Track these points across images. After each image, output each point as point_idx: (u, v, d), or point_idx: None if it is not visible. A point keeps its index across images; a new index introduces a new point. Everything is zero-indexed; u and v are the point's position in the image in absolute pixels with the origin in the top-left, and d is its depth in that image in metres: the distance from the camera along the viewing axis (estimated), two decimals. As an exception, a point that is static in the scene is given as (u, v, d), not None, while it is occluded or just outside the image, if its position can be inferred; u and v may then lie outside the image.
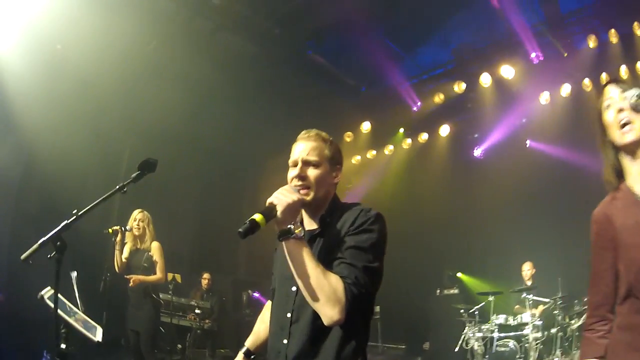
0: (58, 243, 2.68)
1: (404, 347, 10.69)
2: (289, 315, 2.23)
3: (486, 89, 9.85)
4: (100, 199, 2.96)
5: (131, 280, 5.86)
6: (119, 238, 5.93)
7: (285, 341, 2.19)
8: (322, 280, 2.02)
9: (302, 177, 2.36)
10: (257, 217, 2.08)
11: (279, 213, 2.11)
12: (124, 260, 6.07)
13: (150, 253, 6.02)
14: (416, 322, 10.62)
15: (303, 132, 2.50)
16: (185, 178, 11.74)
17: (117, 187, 3.10)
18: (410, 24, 10.23)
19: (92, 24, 8.76)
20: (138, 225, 6.06)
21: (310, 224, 2.41)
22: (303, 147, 2.41)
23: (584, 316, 7.61)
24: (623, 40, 8.61)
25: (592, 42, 8.73)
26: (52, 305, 2.88)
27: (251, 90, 11.23)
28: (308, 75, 11.20)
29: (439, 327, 9.78)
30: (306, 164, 2.39)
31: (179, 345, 9.01)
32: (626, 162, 1.91)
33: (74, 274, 5.73)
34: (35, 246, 2.70)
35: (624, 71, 8.74)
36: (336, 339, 2.09)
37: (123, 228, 5.99)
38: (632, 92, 1.83)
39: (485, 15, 9.64)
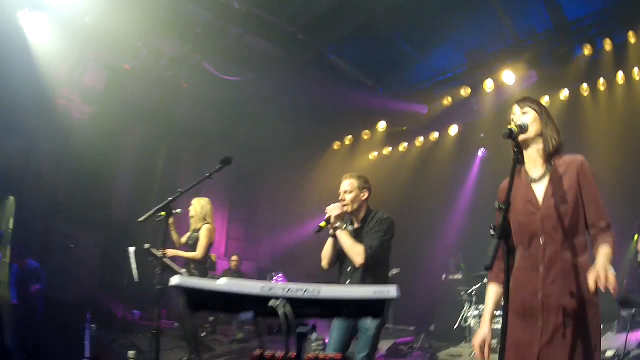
0: (168, 210, 4.40)
1: (412, 329, 11.27)
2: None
3: (490, 93, 10.53)
4: (193, 184, 4.52)
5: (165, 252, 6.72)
6: (171, 220, 6.56)
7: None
8: (356, 246, 4.05)
9: (343, 199, 4.26)
10: (323, 223, 4.10)
11: (332, 218, 4.14)
12: (182, 240, 6.88)
13: (197, 233, 6.75)
14: (424, 306, 11.27)
15: (345, 175, 4.38)
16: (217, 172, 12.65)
17: (206, 175, 4.56)
18: (426, 28, 10.71)
19: (132, 30, 9.66)
20: (189, 210, 6.87)
21: (356, 223, 4.33)
22: (344, 183, 4.32)
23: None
24: (617, 49, 9.18)
25: (587, 51, 9.29)
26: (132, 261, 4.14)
27: (277, 90, 12.06)
28: (329, 76, 11.86)
29: (444, 309, 10.43)
30: (345, 192, 4.28)
31: (211, 317, 9.94)
32: (524, 153, 2.83)
33: (132, 249, 6.72)
34: (151, 212, 4.32)
35: (620, 77, 9.41)
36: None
37: (173, 212, 6.89)
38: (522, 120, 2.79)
39: (495, 21, 10.11)
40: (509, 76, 10.01)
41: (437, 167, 12.27)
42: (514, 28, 10.14)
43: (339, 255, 4.29)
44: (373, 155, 13.71)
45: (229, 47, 10.74)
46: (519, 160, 2.73)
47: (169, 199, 4.47)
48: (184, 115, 12.16)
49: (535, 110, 2.82)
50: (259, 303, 1.59)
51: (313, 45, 10.99)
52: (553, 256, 2.58)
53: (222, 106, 12.35)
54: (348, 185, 4.29)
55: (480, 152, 12.23)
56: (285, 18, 10.27)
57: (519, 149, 2.77)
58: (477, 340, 2.81)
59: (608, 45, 9.13)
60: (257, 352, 2.12)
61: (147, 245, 5.36)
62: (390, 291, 1.63)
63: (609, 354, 6.80)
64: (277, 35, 10.65)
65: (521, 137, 2.75)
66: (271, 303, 1.56)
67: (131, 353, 6.04)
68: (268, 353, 2.09)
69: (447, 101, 11.41)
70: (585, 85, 9.92)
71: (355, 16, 9.91)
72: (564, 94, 10.15)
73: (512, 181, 2.54)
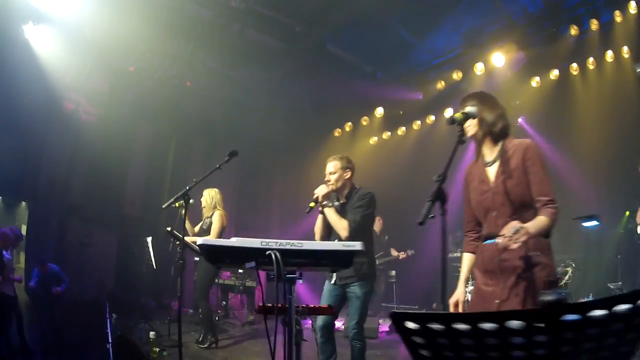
0: (185, 197, 4.93)
1: (416, 307, 11.63)
2: None
3: (480, 76, 10.74)
4: (206, 174, 5.09)
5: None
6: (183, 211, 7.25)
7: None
8: (341, 221, 4.64)
9: (328, 179, 4.80)
10: (312, 203, 4.61)
11: (320, 198, 4.67)
12: (194, 229, 7.47)
13: (210, 219, 7.40)
14: (428, 283, 11.50)
15: (329, 157, 4.89)
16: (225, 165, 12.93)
17: (217, 165, 5.10)
18: (422, 11, 10.70)
19: (134, 34, 9.83)
20: (200, 201, 7.48)
21: (342, 199, 4.88)
22: (328, 165, 4.85)
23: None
24: (604, 28, 9.34)
25: (573, 30, 9.45)
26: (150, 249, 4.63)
27: (280, 82, 12.29)
28: (328, 66, 12.16)
29: (445, 287, 10.83)
30: (329, 173, 4.82)
31: (224, 302, 10.49)
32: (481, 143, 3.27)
33: (149, 239, 7.26)
34: (172, 199, 4.98)
35: (610, 55, 9.56)
36: None
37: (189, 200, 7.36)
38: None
39: (490, 3, 10.29)
40: (498, 59, 10.24)
41: (435, 148, 12.30)
42: (507, 9, 10.28)
43: (329, 229, 4.87)
44: (373, 140, 14.04)
45: (231, 43, 10.87)
46: (462, 141, 2.99)
47: (187, 187, 5.02)
48: (190, 113, 12.44)
49: (474, 106, 3.16)
50: (258, 254, 2.09)
51: (311, 36, 11.24)
52: (503, 227, 2.94)
53: (227, 102, 12.57)
54: (332, 167, 4.86)
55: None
56: (282, 11, 10.51)
57: (463, 132, 3.03)
58: (452, 299, 3.33)
59: (594, 25, 9.32)
60: (260, 304, 2.60)
61: (169, 228, 5.89)
62: (355, 245, 2.13)
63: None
64: (276, 29, 10.90)
65: (469, 132, 3.16)
66: (267, 253, 2.04)
67: (152, 333, 6.56)
68: (269, 304, 2.56)
69: (441, 85, 11.74)
70: (574, 65, 10.09)
71: (350, 5, 10.09)
72: (554, 73, 10.36)
73: (453, 156, 2.83)
